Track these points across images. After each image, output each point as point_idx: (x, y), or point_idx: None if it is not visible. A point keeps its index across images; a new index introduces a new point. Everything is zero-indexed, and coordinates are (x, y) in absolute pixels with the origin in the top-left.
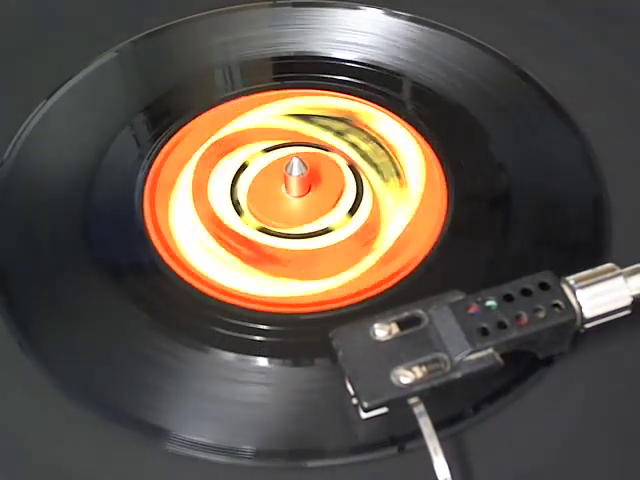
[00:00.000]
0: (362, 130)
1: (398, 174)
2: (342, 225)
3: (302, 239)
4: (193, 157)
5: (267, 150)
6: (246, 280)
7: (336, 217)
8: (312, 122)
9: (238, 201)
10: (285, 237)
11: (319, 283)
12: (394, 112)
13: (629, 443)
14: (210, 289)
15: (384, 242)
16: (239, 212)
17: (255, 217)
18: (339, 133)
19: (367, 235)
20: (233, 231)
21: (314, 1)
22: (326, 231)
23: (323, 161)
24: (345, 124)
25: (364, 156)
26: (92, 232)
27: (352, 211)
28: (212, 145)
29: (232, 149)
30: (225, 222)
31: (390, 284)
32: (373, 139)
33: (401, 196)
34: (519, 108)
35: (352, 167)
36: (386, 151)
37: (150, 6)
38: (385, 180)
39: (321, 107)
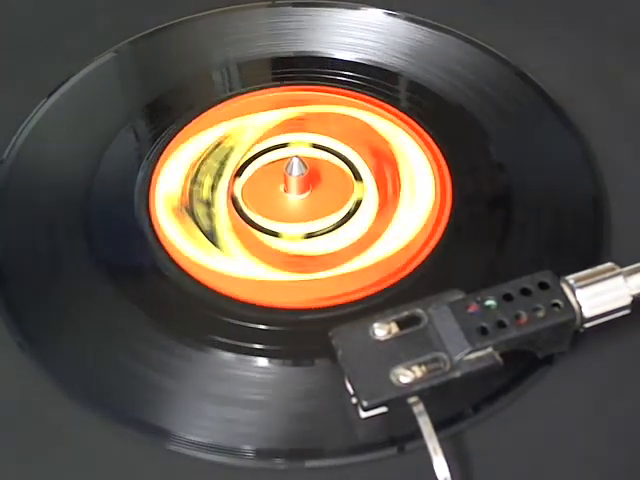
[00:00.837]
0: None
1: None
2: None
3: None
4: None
5: (238, 174)
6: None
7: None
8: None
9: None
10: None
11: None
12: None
13: (629, 443)
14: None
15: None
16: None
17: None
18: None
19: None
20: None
21: (314, 1)
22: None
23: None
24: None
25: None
26: (92, 232)
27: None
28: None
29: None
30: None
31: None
32: None
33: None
34: (519, 108)
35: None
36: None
37: (149, 6)
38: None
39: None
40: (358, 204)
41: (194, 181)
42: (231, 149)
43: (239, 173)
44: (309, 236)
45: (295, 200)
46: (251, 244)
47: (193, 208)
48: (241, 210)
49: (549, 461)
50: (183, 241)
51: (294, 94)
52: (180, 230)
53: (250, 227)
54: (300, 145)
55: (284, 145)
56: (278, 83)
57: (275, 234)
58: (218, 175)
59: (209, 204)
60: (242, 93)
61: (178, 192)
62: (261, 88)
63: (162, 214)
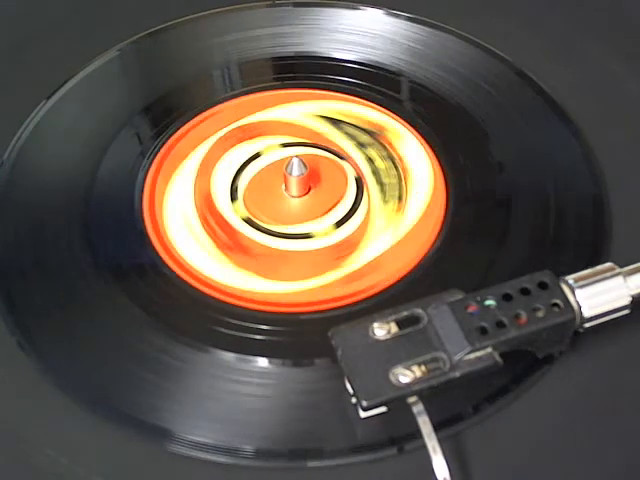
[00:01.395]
0: (384, 147)
1: (400, 198)
2: (324, 234)
3: (282, 238)
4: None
5: (285, 145)
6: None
7: (322, 225)
8: (339, 128)
9: (237, 187)
10: (266, 233)
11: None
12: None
13: (629, 442)
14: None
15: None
16: (233, 198)
17: (246, 207)
18: (361, 145)
19: (342, 250)
20: (219, 213)
21: (314, 1)
22: (307, 236)
23: (332, 168)
24: (371, 137)
25: (375, 172)
26: (92, 232)
27: (339, 223)
28: (236, 129)
29: (253, 136)
30: (216, 204)
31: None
32: (391, 158)
33: (394, 220)
34: (519, 108)
35: (358, 180)
36: (398, 173)
37: (150, 6)
38: (385, 201)
39: (354, 115)
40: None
41: None
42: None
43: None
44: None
45: (295, 200)
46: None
47: None
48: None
49: (549, 461)
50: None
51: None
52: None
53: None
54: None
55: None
56: (278, 83)
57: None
58: None
59: None
60: (242, 93)
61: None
62: (261, 88)
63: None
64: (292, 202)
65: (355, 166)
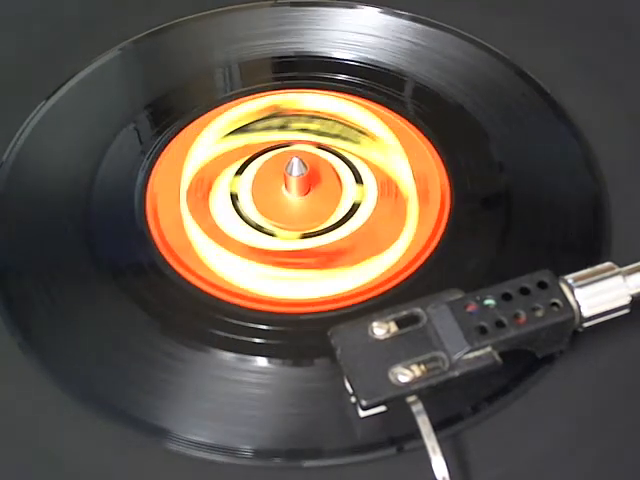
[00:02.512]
0: (297, 115)
1: (363, 132)
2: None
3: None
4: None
5: (239, 172)
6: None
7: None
8: (251, 131)
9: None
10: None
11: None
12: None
13: (629, 442)
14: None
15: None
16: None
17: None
18: (282, 127)
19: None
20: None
21: (314, 1)
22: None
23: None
24: (280, 118)
25: (320, 134)
26: (92, 232)
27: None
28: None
29: (210, 187)
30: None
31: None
32: (315, 117)
33: (382, 149)
34: (519, 108)
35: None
36: (334, 120)
37: (150, 6)
38: (356, 142)
39: (245, 114)
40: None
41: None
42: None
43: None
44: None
45: (295, 200)
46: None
47: None
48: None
49: (549, 461)
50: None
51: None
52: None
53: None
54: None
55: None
56: (278, 83)
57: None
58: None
59: None
60: (242, 93)
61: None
62: (261, 88)
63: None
64: (292, 202)
65: (305, 142)
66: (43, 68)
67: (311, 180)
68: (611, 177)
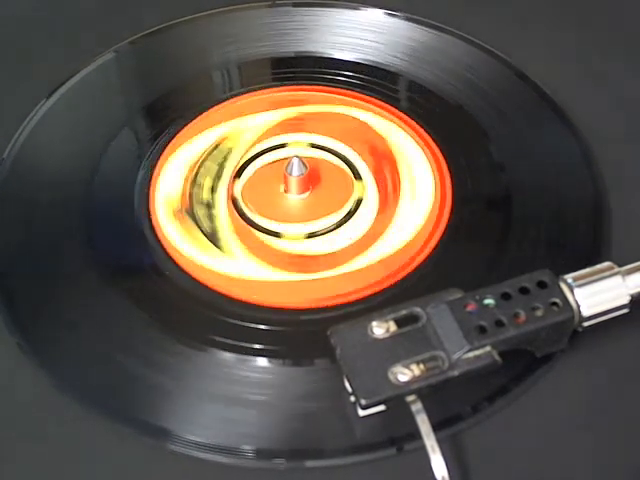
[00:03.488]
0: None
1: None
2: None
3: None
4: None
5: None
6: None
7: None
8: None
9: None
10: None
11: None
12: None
13: (629, 443)
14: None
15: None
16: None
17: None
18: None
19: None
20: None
21: (314, 1)
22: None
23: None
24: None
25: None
26: (92, 232)
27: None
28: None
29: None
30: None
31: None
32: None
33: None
34: (519, 108)
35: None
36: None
37: (149, 6)
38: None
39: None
40: (358, 203)
41: (194, 183)
42: (229, 150)
43: (238, 174)
44: (309, 236)
45: (295, 200)
46: (252, 245)
47: (194, 210)
48: (242, 211)
49: (549, 461)
50: (183, 241)
51: (294, 94)
52: (180, 230)
53: (251, 228)
54: (299, 145)
55: (283, 145)
56: (278, 83)
57: (275, 234)
58: (217, 177)
59: (209, 206)
60: (242, 93)
61: (178, 194)
62: (261, 88)
63: (162, 214)
64: (291, 202)
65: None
66: (43, 68)
67: (311, 180)
68: (611, 177)
